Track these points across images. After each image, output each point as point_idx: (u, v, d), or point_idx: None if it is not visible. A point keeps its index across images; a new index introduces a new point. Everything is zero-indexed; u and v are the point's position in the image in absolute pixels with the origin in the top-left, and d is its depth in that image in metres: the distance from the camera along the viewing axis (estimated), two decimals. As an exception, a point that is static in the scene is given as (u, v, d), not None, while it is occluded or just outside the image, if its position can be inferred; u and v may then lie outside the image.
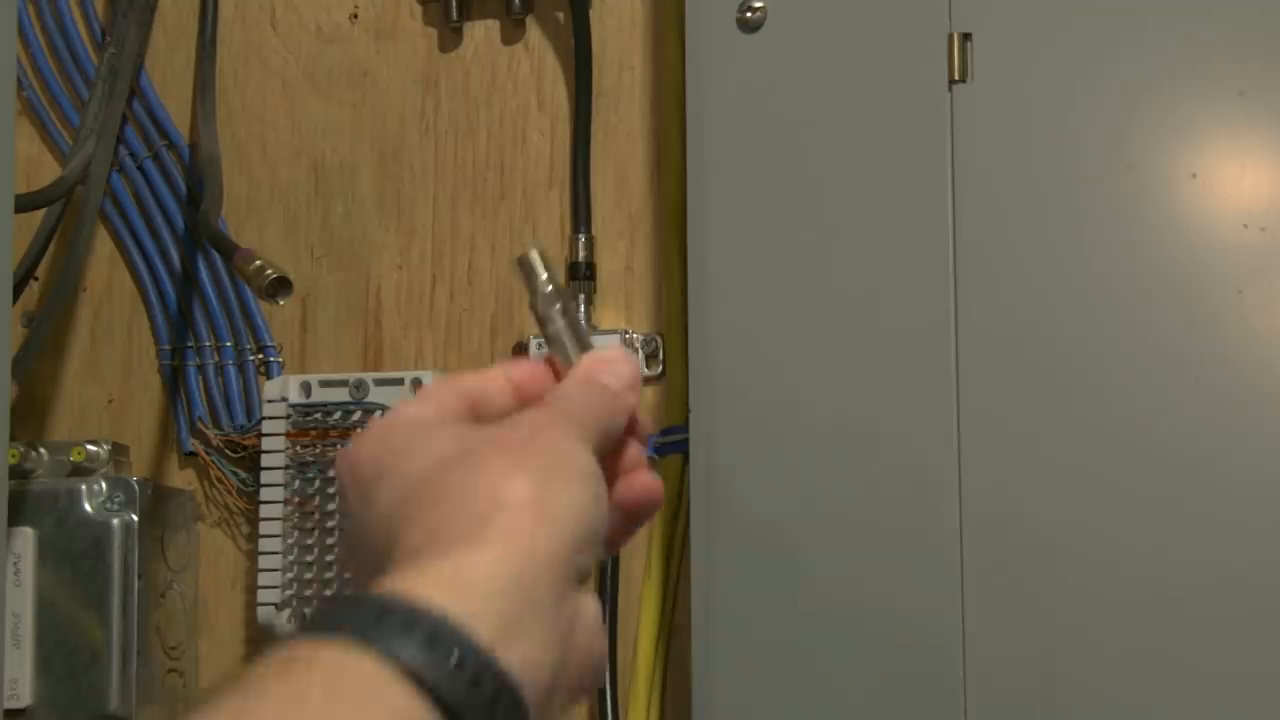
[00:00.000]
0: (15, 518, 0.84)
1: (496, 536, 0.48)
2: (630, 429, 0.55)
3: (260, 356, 0.91)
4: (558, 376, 0.56)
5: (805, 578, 0.68)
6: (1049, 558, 0.65)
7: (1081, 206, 0.66)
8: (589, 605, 0.50)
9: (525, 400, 0.56)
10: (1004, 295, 0.67)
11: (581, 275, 0.83)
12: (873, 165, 0.69)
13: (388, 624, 0.45)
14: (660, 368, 0.82)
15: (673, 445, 0.79)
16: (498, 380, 0.56)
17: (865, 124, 0.70)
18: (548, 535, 0.49)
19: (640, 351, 0.83)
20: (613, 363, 0.56)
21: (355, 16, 0.92)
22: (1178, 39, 0.66)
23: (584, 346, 0.57)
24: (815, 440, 0.69)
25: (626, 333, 0.82)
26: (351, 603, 0.46)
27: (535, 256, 0.57)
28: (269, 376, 0.90)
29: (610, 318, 0.84)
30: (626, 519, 0.54)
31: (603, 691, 0.80)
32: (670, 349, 0.82)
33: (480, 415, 0.55)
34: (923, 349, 0.67)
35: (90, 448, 0.90)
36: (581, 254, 0.83)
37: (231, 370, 0.91)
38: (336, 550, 0.64)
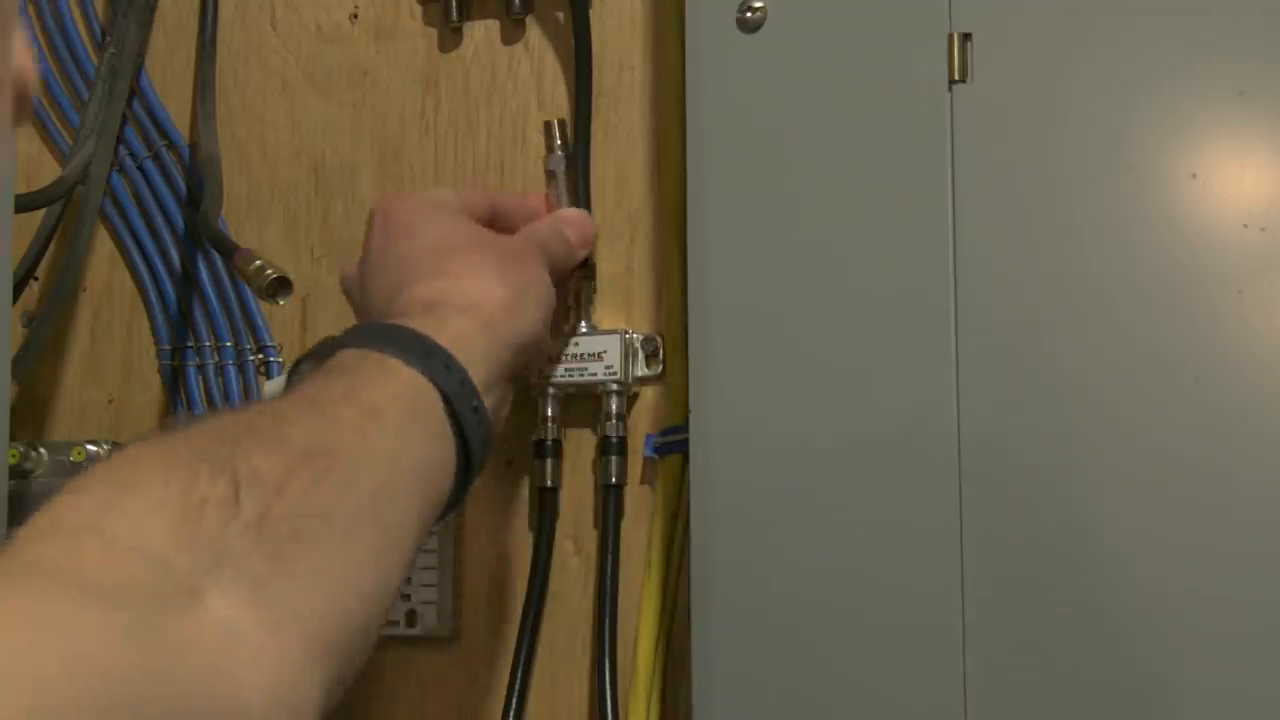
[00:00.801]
0: (15, 518, 0.84)
1: (482, 318, 0.67)
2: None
3: (260, 356, 0.91)
4: (550, 209, 0.80)
5: (806, 577, 0.68)
6: (1050, 563, 0.65)
7: (1081, 206, 0.66)
8: (511, 391, 0.71)
9: (529, 217, 0.78)
10: (1004, 295, 0.67)
11: (581, 275, 0.83)
12: (873, 165, 0.69)
13: (438, 359, 0.63)
14: (660, 368, 0.82)
15: (673, 445, 0.79)
16: (515, 200, 0.80)
17: (865, 124, 0.70)
18: (510, 330, 0.68)
19: (640, 351, 0.83)
20: (575, 221, 0.78)
21: (355, 16, 0.92)
22: (1178, 39, 0.66)
23: (570, 201, 0.81)
24: (815, 441, 0.69)
25: (626, 333, 0.82)
26: (405, 337, 0.64)
27: (556, 125, 0.82)
28: (269, 376, 0.90)
29: (610, 318, 0.84)
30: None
31: (603, 690, 0.80)
32: (670, 349, 0.82)
33: (495, 218, 0.77)
34: (923, 349, 0.67)
35: (90, 448, 0.90)
36: (581, 254, 0.83)
37: (231, 370, 0.91)
38: (345, 280, 0.77)
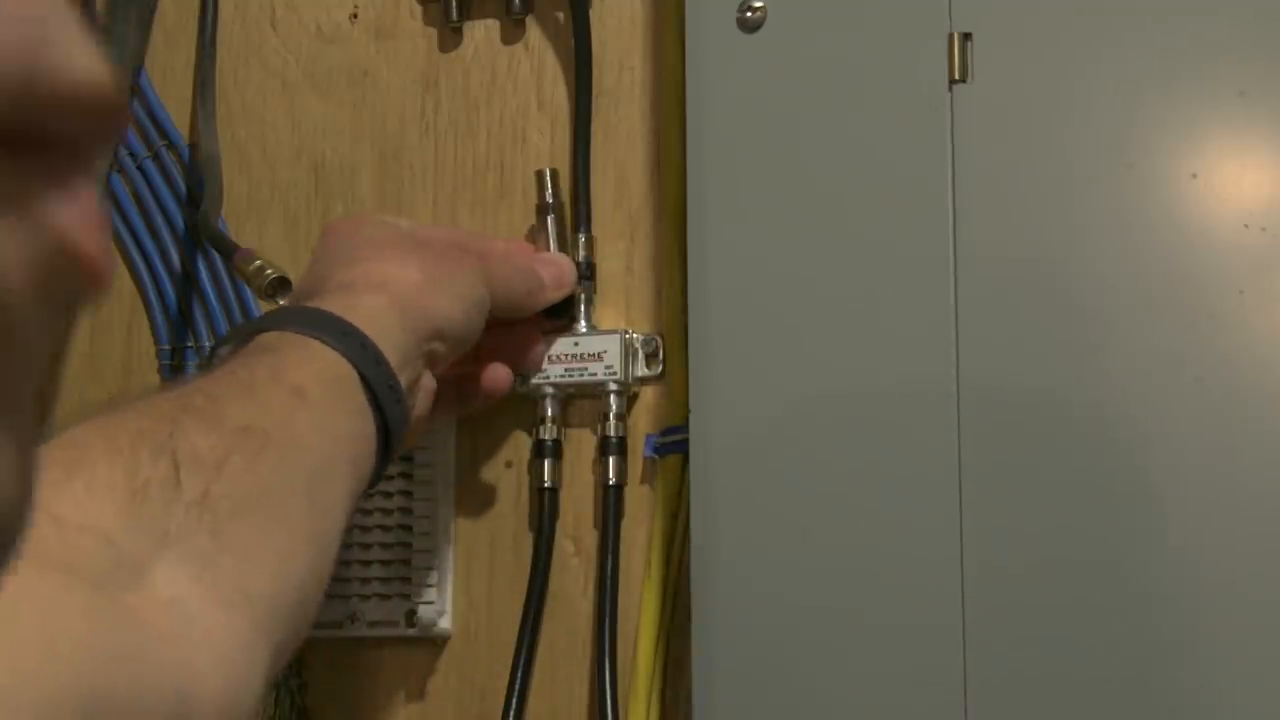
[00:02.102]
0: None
1: (393, 296, 0.68)
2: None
3: (260, 356, 0.91)
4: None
5: (806, 577, 0.68)
6: (1051, 563, 0.65)
7: (1082, 206, 0.66)
8: (429, 377, 0.71)
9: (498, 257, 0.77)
10: (1004, 295, 0.67)
11: (581, 275, 0.83)
12: (873, 165, 0.69)
13: (352, 338, 0.64)
14: (660, 368, 0.82)
15: (673, 445, 0.79)
16: (486, 241, 0.80)
17: (865, 124, 0.70)
18: (423, 310, 0.69)
19: (640, 351, 0.83)
20: (553, 262, 0.80)
21: (355, 16, 0.92)
22: (1178, 39, 0.66)
23: (556, 246, 0.82)
24: (816, 441, 0.69)
25: (626, 333, 0.82)
26: (321, 318, 0.65)
27: (548, 173, 0.83)
28: (269, 376, 0.90)
29: (610, 318, 0.84)
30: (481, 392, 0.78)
31: (603, 690, 0.80)
32: (670, 349, 0.81)
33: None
34: (923, 350, 0.67)
35: (90, 448, 0.89)
36: (581, 254, 0.83)
37: (231, 370, 0.91)
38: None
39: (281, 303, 0.80)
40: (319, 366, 0.63)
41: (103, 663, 0.46)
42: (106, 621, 0.47)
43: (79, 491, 0.51)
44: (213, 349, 0.72)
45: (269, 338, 0.65)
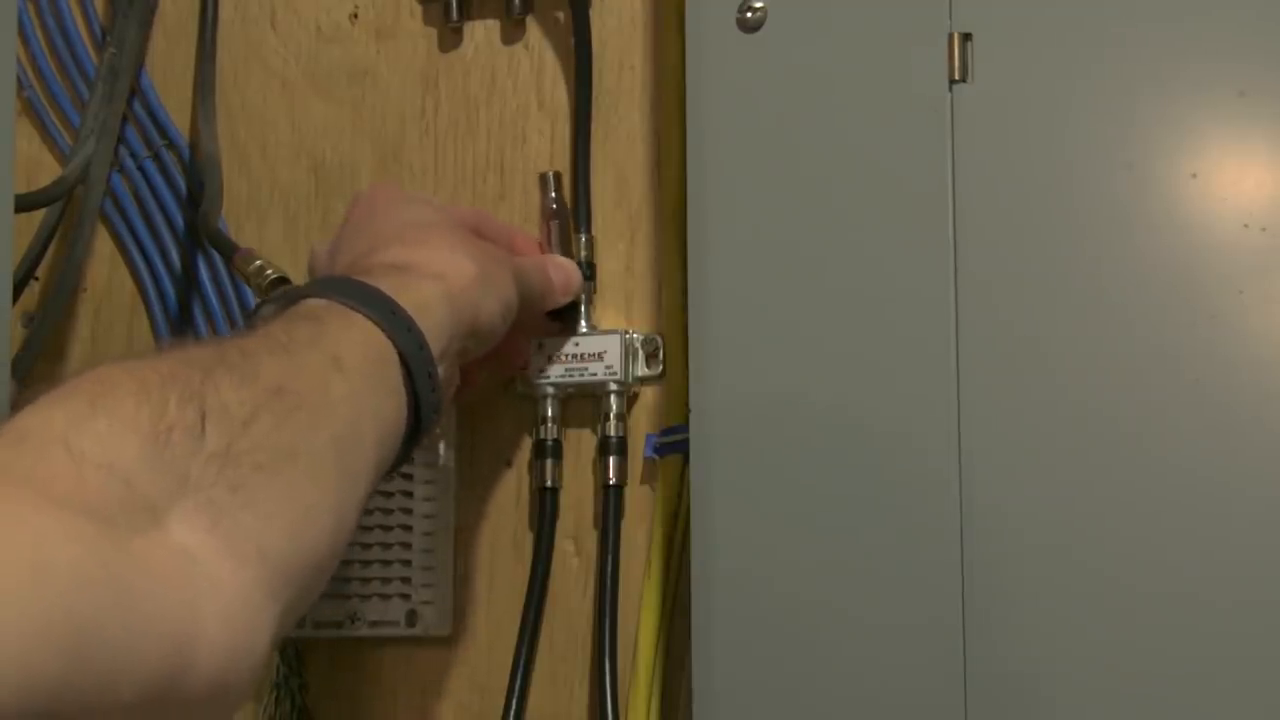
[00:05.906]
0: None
1: (446, 287, 0.68)
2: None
3: (260, 356, 0.91)
4: (541, 251, 0.82)
5: (806, 577, 0.68)
6: (1051, 562, 0.65)
7: (1082, 207, 0.66)
8: (458, 375, 0.72)
9: (512, 252, 0.78)
10: (1004, 295, 0.67)
11: (582, 275, 0.83)
12: (873, 165, 0.69)
13: (399, 320, 0.64)
14: (660, 368, 0.82)
15: (673, 445, 0.79)
16: (501, 230, 0.80)
17: (865, 124, 0.70)
18: (473, 306, 0.69)
19: (640, 351, 0.83)
20: (563, 267, 0.80)
21: (355, 16, 0.92)
22: (1177, 39, 0.66)
23: (560, 248, 0.82)
24: (815, 440, 0.69)
25: (626, 333, 0.82)
26: (369, 294, 0.64)
27: (551, 177, 0.84)
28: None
29: (610, 318, 0.84)
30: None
31: (603, 690, 0.80)
32: (670, 349, 0.82)
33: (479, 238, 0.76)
34: (923, 349, 0.67)
35: (90, 447, 0.89)
36: (582, 254, 0.83)
37: (231, 370, 0.91)
38: (313, 256, 0.78)
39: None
40: (360, 341, 0.63)
41: (94, 595, 0.46)
42: (104, 556, 0.47)
43: (101, 428, 0.50)
44: (254, 309, 0.71)
45: (313, 305, 0.64)
